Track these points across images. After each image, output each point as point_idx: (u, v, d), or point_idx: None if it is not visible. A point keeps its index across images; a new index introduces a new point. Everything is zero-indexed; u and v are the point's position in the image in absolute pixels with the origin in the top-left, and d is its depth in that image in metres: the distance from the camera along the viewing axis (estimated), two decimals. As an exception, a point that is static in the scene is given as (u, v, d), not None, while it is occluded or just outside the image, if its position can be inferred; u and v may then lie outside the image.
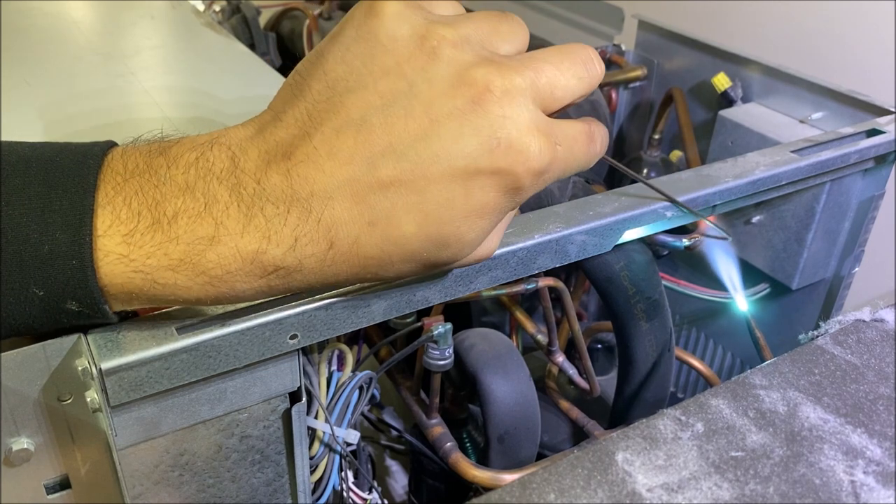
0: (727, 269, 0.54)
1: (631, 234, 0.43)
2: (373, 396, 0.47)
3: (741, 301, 0.55)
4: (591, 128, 0.32)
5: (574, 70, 0.31)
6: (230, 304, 0.33)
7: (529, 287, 0.48)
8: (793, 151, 0.49)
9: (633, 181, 0.44)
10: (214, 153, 0.29)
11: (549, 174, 0.30)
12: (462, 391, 0.60)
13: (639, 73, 0.74)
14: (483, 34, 0.30)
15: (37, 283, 0.27)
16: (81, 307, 0.28)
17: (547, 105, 0.30)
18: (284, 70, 0.79)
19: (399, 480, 0.79)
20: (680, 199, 0.43)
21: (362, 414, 0.53)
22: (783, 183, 0.48)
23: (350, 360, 0.45)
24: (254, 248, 0.28)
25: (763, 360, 0.56)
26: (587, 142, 0.32)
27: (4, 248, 0.27)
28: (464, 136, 0.28)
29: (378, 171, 0.28)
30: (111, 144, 0.30)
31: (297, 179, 0.28)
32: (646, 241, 0.48)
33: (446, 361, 0.47)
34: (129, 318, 0.33)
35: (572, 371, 0.55)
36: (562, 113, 0.32)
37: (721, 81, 0.65)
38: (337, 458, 0.45)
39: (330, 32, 0.31)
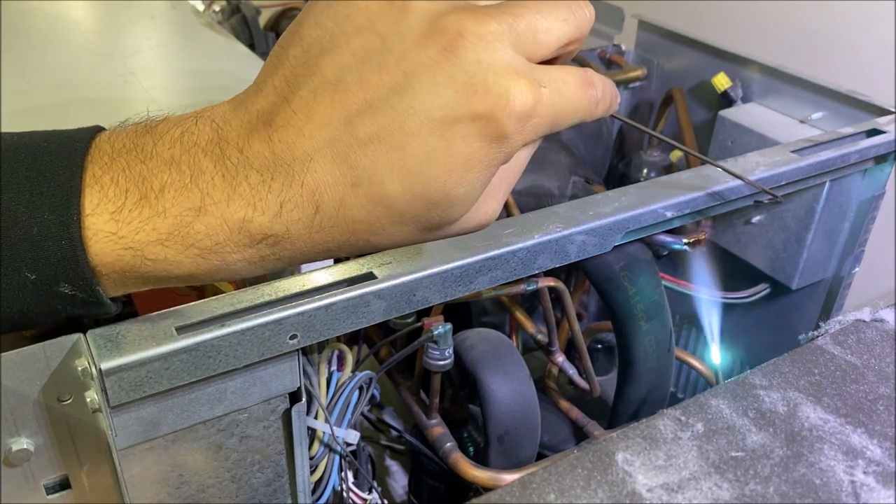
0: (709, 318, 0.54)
1: (631, 235, 0.43)
2: (373, 396, 0.47)
3: (715, 354, 0.55)
4: (588, 73, 0.31)
5: (557, 12, 0.29)
6: (227, 281, 0.33)
7: (529, 287, 0.48)
8: (793, 151, 0.49)
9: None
10: (199, 127, 0.29)
11: (538, 119, 0.29)
12: (462, 391, 0.60)
13: (639, 73, 0.74)
14: None
15: (28, 267, 0.27)
16: (75, 290, 0.28)
17: (530, 50, 0.29)
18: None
19: (399, 480, 0.79)
20: (681, 198, 0.43)
21: (362, 414, 0.53)
22: (783, 183, 0.48)
23: (350, 360, 0.45)
24: (240, 216, 0.28)
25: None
26: (582, 85, 0.30)
27: None
28: (438, 86, 0.27)
29: (356, 130, 0.27)
30: (99, 129, 0.30)
31: (279, 145, 0.28)
32: (646, 241, 0.48)
33: (446, 361, 0.47)
34: (129, 318, 0.33)
35: (572, 371, 0.55)
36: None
37: (721, 81, 0.65)
38: (337, 458, 0.45)
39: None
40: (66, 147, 0.28)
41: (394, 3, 0.28)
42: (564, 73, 0.30)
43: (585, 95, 0.30)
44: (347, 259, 0.38)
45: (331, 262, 0.43)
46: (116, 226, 0.28)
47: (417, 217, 0.29)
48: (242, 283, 0.44)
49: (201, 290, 0.42)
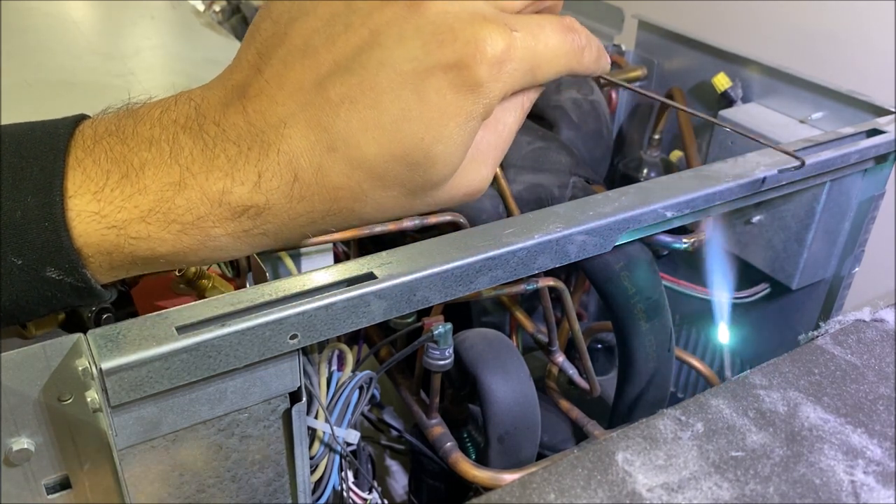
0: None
1: (631, 235, 0.43)
2: (373, 396, 0.47)
3: (723, 332, 0.54)
4: (568, 19, 0.30)
5: None
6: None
7: (529, 287, 0.48)
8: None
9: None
10: (178, 105, 0.29)
11: (512, 64, 0.28)
12: (462, 391, 0.60)
13: (639, 73, 0.74)
14: None
15: (14, 251, 0.27)
16: (62, 274, 0.28)
17: (501, 4, 0.29)
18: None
19: (399, 480, 0.79)
20: (681, 198, 0.43)
21: (362, 414, 0.53)
22: (783, 183, 0.48)
23: (350, 360, 0.45)
24: (219, 187, 0.28)
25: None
26: (560, 29, 0.29)
27: None
28: (406, 39, 0.27)
29: (327, 92, 0.27)
30: (83, 116, 0.30)
31: (254, 115, 0.28)
32: (646, 241, 0.48)
33: (446, 361, 0.47)
34: (129, 318, 0.33)
35: (572, 371, 0.55)
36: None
37: (721, 81, 0.65)
38: (337, 458, 0.45)
39: None
40: (50, 133, 0.29)
41: None
42: (540, 18, 0.29)
43: (566, 39, 0.29)
44: (348, 258, 0.38)
45: (331, 261, 0.44)
46: (99, 205, 0.28)
47: (399, 179, 0.29)
48: (243, 283, 0.44)
49: (201, 290, 0.42)
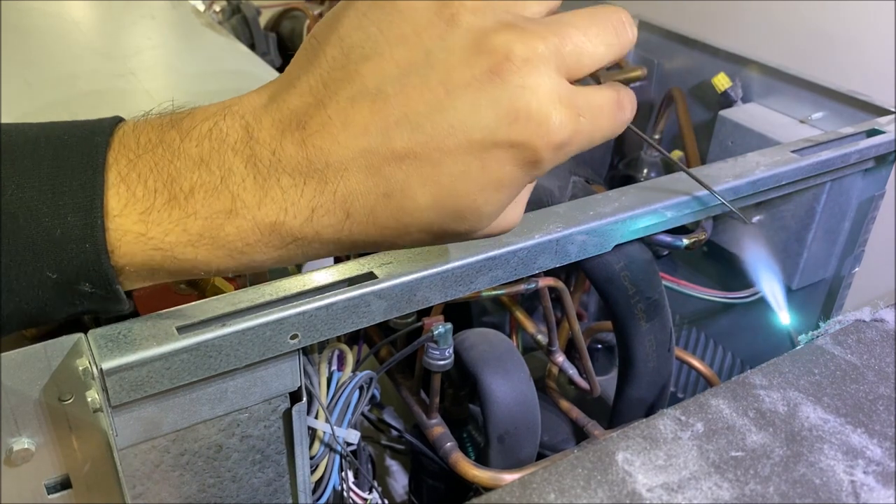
0: (770, 286, 0.54)
1: (631, 234, 0.43)
2: (373, 396, 0.47)
3: (784, 316, 0.54)
4: (620, 94, 0.31)
5: (603, 36, 0.29)
6: (251, 273, 0.33)
7: (530, 287, 0.48)
8: (793, 151, 0.49)
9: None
10: (228, 123, 0.28)
11: (571, 147, 0.29)
12: (462, 391, 0.60)
13: (639, 73, 0.74)
14: None
15: (50, 267, 0.27)
16: (95, 288, 0.28)
17: (572, 73, 0.29)
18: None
19: (399, 480, 0.79)
20: (681, 198, 0.43)
21: (362, 414, 0.53)
22: (783, 183, 0.48)
23: (350, 360, 0.45)
24: (271, 219, 0.28)
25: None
26: (614, 110, 0.30)
27: (17, 231, 0.27)
28: (480, 108, 0.27)
29: (393, 143, 0.27)
30: (118, 120, 0.30)
31: (313, 150, 0.27)
32: (646, 241, 0.48)
33: (446, 361, 0.47)
34: (130, 318, 0.33)
35: (572, 371, 0.55)
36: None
37: (721, 81, 0.65)
38: (337, 457, 0.45)
39: None
40: (87, 141, 0.28)
41: (442, 15, 0.28)
42: (602, 99, 0.30)
43: (615, 119, 0.30)
44: (348, 258, 0.38)
45: (331, 261, 0.44)
46: (145, 227, 0.28)
47: (444, 228, 0.29)
48: (243, 283, 0.44)
49: (202, 290, 0.42)
